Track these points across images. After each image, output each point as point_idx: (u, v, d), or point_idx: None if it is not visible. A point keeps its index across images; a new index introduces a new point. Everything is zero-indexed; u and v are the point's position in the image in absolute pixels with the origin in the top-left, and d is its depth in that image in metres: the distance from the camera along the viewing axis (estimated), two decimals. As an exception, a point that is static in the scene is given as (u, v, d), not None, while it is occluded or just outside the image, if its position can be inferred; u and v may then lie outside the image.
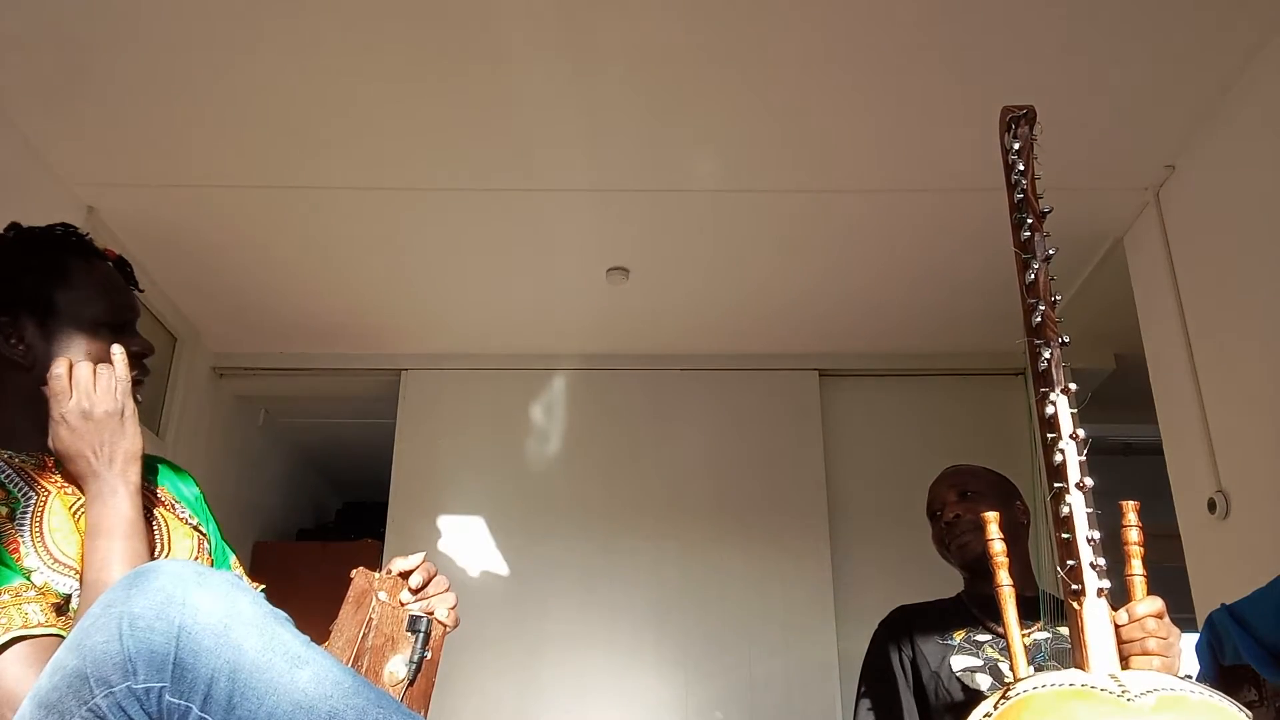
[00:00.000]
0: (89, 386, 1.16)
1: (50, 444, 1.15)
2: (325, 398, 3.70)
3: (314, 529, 4.32)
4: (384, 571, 1.20)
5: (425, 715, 1.13)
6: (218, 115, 2.27)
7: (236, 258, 2.87)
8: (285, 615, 0.87)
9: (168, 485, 1.37)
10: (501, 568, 3.27)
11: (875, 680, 1.93)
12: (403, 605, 1.18)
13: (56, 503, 1.16)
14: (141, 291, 1.36)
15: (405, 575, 1.20)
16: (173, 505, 1.32)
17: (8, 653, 0.98)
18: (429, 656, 1.14)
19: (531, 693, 3.10)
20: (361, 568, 1.18)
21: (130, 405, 1.19)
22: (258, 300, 3.10)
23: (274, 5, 1.97)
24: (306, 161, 2.45)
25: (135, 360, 1.26)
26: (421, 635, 1.14)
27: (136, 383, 1.26)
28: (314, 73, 2.15)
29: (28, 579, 1.07)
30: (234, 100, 2.22)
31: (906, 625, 1.93)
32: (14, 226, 1.30)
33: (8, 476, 1.16)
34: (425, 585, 1.20)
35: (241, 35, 2.04)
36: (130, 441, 1.16)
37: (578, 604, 3.21)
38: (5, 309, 1.21)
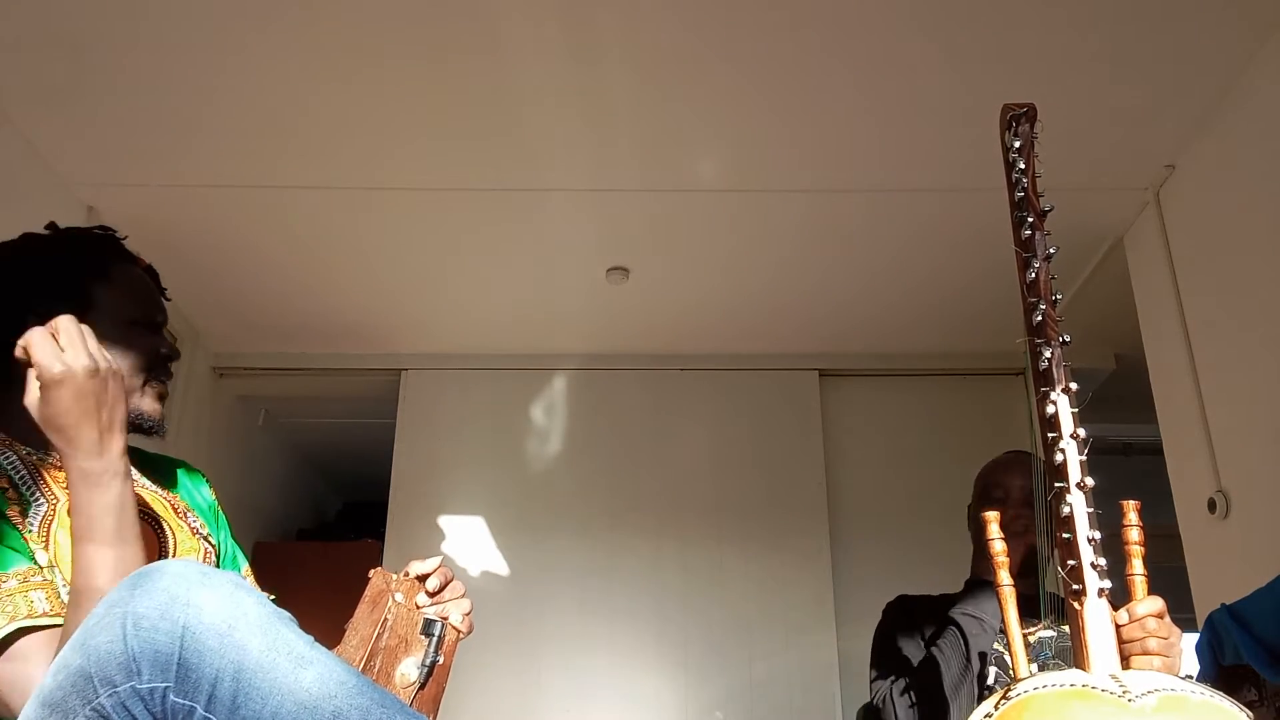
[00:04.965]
0: (84, 341, 0.98)
1: (39, 413, 0.97)
2: (325, 398, 3.70)
3: (314, 529, 4.32)
4: (401, 573, 1.20)
5: (433, 719, 1.13)
6: (217, 115, 2.27)
7: (237, 258, 2.86)
8: (290, 615, 0.87)
9: (183, 492, 1.35)
10: (501, 568, 3.27)
11: (890, 656, 1.90)
12: (418, 608, 1.18)
13: (64, 511, 1.11)
14: (170, 300, 1.34)
15: (422, 578, 1.20)
16: (184, 514, 1.29)
17: (13, 647, 0.96)
18: (441, 661, 1.14)
19: (531, 693, 3.10)
20: (380, 568, 1.19)
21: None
22: (258, 300, 3.10)
23: (274, 6, 1.97)
24: (307, 162, 2.44)
25: (163, 363, 1.25)
26: (435, 639, 1.14)
27: (161, 394, 1.25)
28: (313, 73, 2.16)
29: (34, 562, 1.03)
30: (234, 100, 2.22)
31: (912, 610, 1.93)
32: (52, 226, 1.28)
33: (21, 478, 1.12)
34: (442, 589, 1.20)
35: (241, 35, 2.04)
36: (123, 408, 1.01)
37: (578, 604, 3.21)
38: (42, 302, 1.14)
